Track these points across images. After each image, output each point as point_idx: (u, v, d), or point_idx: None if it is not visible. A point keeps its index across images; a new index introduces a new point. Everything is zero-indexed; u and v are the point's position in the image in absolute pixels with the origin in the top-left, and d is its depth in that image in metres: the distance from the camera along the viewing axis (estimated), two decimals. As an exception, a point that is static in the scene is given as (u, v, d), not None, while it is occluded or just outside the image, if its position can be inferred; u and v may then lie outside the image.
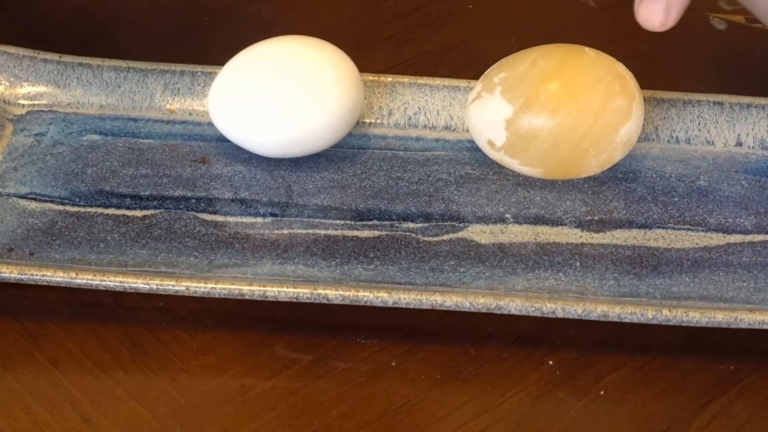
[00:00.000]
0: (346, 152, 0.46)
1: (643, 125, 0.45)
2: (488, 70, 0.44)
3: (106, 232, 0.42)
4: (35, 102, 0.47)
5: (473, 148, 0.46)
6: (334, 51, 0.44)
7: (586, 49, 0.42)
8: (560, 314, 0.39)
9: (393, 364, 0.40)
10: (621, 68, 0.43)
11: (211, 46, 0.52)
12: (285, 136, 0.43)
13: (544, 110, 0.41)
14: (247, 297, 0.39)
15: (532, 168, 0.43)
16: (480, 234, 0.43)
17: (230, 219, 0.43)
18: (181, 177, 0.45)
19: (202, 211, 0.43)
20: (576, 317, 0.39)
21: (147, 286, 0.39)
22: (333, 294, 0.39)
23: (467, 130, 0.45)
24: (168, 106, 0.47)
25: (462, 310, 0.39)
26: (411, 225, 0.43)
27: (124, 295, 0.41)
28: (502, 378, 0.39)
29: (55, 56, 0.47)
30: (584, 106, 0.41)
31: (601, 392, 0.39)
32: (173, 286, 0.39)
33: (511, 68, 0.43)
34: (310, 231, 0.43)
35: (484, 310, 0.39)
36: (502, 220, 0.43)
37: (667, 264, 0.42)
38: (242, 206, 0.44)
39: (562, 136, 0.42)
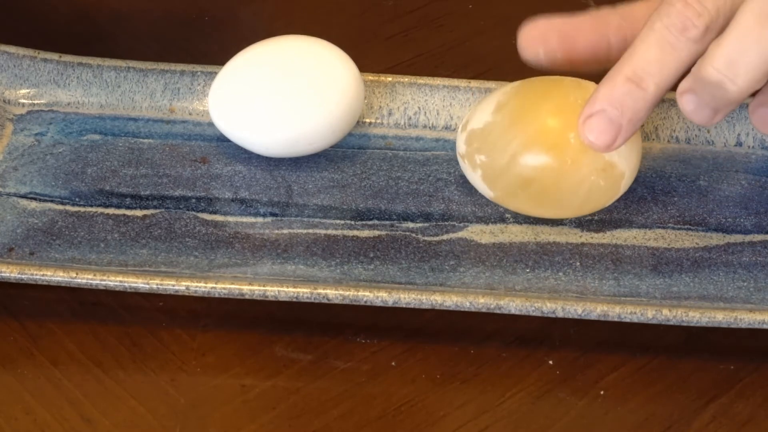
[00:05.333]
0: (346, 152, 0.46)
1: (643, 125, 0.45)
2: (468, 127, 0.42)
3: (106, 232, 0.42)
4: (35, 102, 0.47)
5: (473, 148, 0.46)
6: (334, 51, 0.44)
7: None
8: (560, 314, 0.39)
9: (393, 364, 0.40)
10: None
11: (211, 46, 0.52)
12: (285, 136, 0.43)
13: (528, 202, 0.41)
14: (247, 297, 0.39)
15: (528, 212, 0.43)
16: (480, 234, 0.43)
17: (230, 219, 0.43)
18: (181, 177, 0.45)
19: (202, 211, 0.43)
20: (576, 317, 0.39)
21: (147, 286, 0.39)
22: (333, 294, 0.39)
23: (467, 130, 0.45)
24: (168, 105, 0.47)
25: (462, 310, 0.39)
26: (411, 225, 0.43)
27: (124, 295, 0.41)
28: (502, 378, 0.39)
29: (55, 56, 0.47)
30: (567, 204, 0.41)
31: (601, 392, 0.39)
32: (173, 285, 0.39)
33: (491, 150, 0.40)
34: (310, 231, 0.43)
35: (484, 310, 0.39)
36: (502, 219, 0.43)
37: (667, 264, 0.42)
38: (242, 206, 0.44)
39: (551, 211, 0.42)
